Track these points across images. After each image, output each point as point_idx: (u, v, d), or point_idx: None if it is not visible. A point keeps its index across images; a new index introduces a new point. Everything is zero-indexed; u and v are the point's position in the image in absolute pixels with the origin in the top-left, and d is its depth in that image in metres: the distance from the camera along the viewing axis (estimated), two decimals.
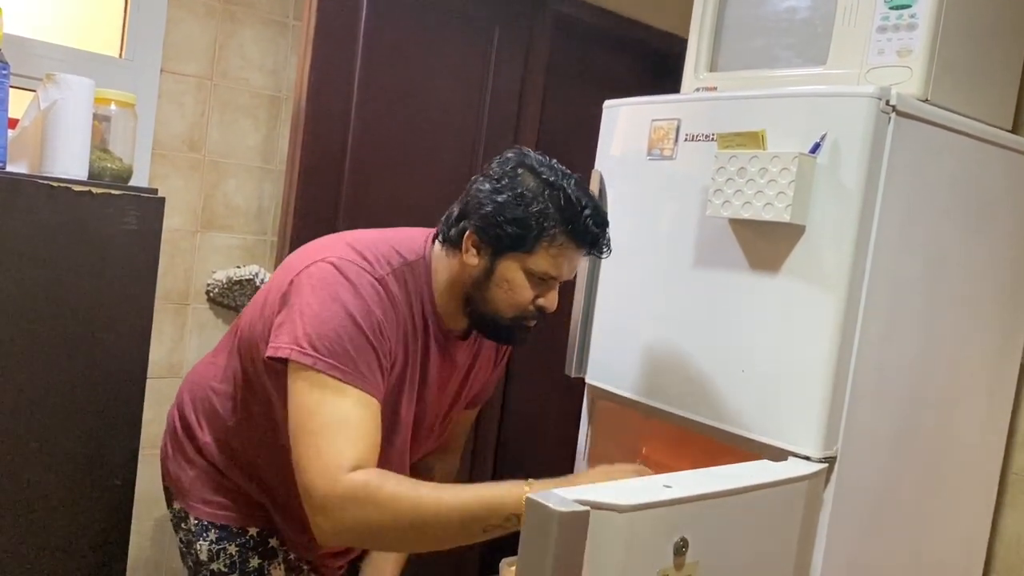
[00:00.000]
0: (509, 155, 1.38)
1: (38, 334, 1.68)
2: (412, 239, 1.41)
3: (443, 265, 1.38)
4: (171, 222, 2.24)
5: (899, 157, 1.35)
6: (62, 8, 2.29)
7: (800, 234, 1.35)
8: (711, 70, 1.75)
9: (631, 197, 1.66)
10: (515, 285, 1.32)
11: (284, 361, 1.25)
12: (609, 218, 1.69)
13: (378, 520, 1.16)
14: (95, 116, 1.78)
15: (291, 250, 1.66)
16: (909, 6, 1.45)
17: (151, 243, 1.82)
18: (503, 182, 1.32)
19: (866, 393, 1.38)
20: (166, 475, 1.55)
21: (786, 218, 1.32)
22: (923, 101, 1.43)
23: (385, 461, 1.30)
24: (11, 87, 1.68)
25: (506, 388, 3.13)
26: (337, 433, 1.20)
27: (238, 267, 2.48)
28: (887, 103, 1.32)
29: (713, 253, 1.48)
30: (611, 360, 1.67)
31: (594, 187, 1.71)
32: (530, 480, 1.14)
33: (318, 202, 2.43)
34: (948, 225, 1.49)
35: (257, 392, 1.41)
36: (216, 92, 2.43)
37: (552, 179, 1.31)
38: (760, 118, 1.43)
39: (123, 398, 1.81)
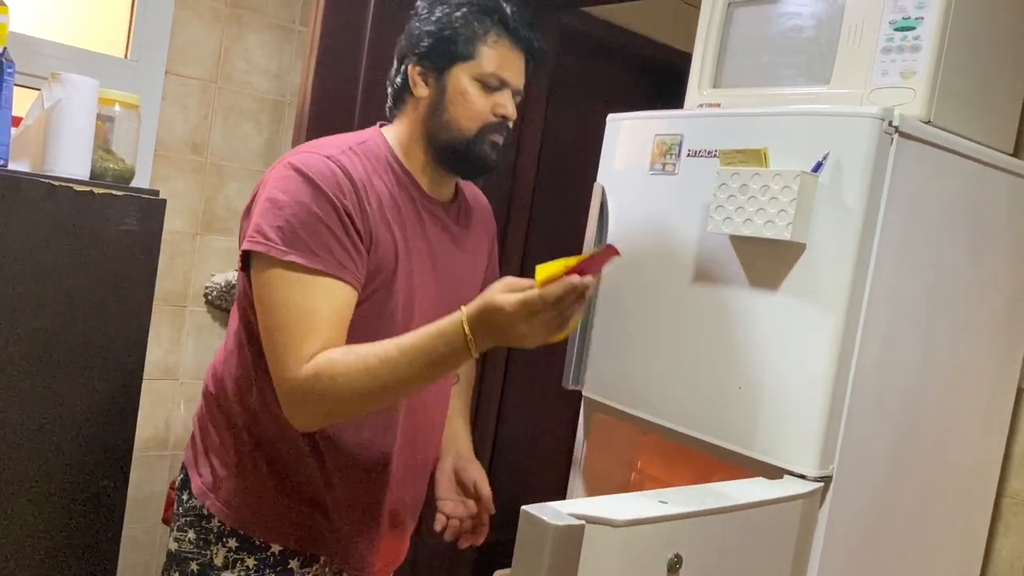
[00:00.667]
0: None
1: (34, 332, 1.68)
2: (363, 131, 1.45)
3: (397, 128, 1.42)
4: (171, 224, 2.23)
5: (901, 178, 1.35)
6: (67, 7, 2.30)
7: (800, 252, 1.35)
8: (715, 86, 1.75)
9: (633, 211, 1.66)
10: (468, 95, 1.36)
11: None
12: (609, 230, 1.71)
13: (340, 398, 1.21)
14: (99, 116, 1.79)
15: None
16: (914, 28, 1.46)
17: (151, 245, 1.82)
18: (425, 10, 1.39)
19: (863, 413, 1.38)
20: (192, 468, 1.47)
21: (787, 236, 1.32)
22: (925, 123, 1.43)
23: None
24: (15, 85, 1.69)
25: (502, 397, 3.12)
26: (298, 325, 1.22)
27: (237, 271, 2.47)
28: (890, 124, 1.32)
29: (713, 269, 1.48)
30: (609, 373, 1.67)
31: (596, 200, 1.71)
32: (464, 312, 1.17)
33: None
34: (947, 247, 1.49)
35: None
36: (220, 95, 2.44)
37: None
38: (763, 136, 1.43)
39: (119, 399, 1.81)
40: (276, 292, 1.24)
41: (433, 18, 1.37)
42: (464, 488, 1.57)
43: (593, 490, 1.76)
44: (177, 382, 2.44)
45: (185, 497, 1.45)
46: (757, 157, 1.38)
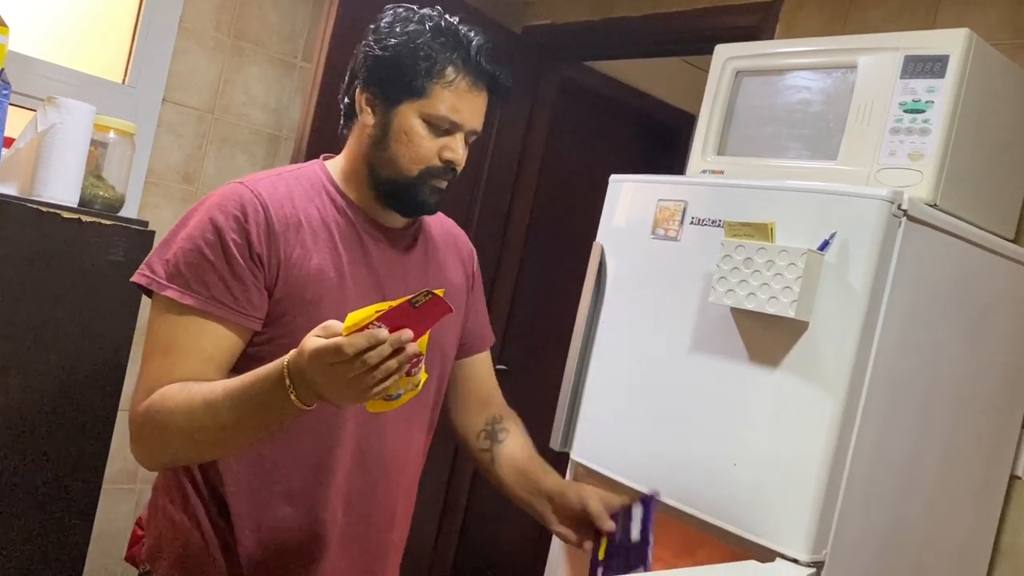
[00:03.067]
0: (389, 7, 1.30)
1: (12, 359, 1.63)
2: (306, 162, 1.36)
3: (342, 157, 1.33)
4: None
5: (906, 261, 1.34)
6: (68, 28, 2.27)
7: (803, 330, 1.34)
8: (719, 153, 1.75)
9: (632, 274, 1.64)
10: (414, 135, 1.23)
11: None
12: (606, 290, 1.69)
13: (162, 436, 1.13)
14: (92, 142, 1.75)
15: None
16: (923, 111, 1.46)
17: None
18: (384, 31, 1.26)
19: (858, 496, 1.35)
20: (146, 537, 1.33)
21: (791, 314, 1.30)
22: (931, 206, 1.42)
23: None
24: (10, 105, 1.65)
25: None
26: (154, 358, 1.16)
27: None
28: (899, 207, 1.31)
29: (712, 340, 1.46)
30: (598, 438, 1.63)
31: (594, 259, 1.69)
32: (288, 354, 1.04)
33: None
34: (947, 330, 1.48)
35: None
36: (216, 125, 2.41)
37: (433, 16, 1.26)
38: (769, 209, 1.42)
39: (92, 433, 1.75)
40: (150, 324, 1.19)
41: (388, 43, 1.24)
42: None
43: (574, 555, 1.71)
44: None
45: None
46: (763, 231, 1.36)
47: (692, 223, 1.54)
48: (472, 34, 1.26)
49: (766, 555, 1.33)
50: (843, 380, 1.30)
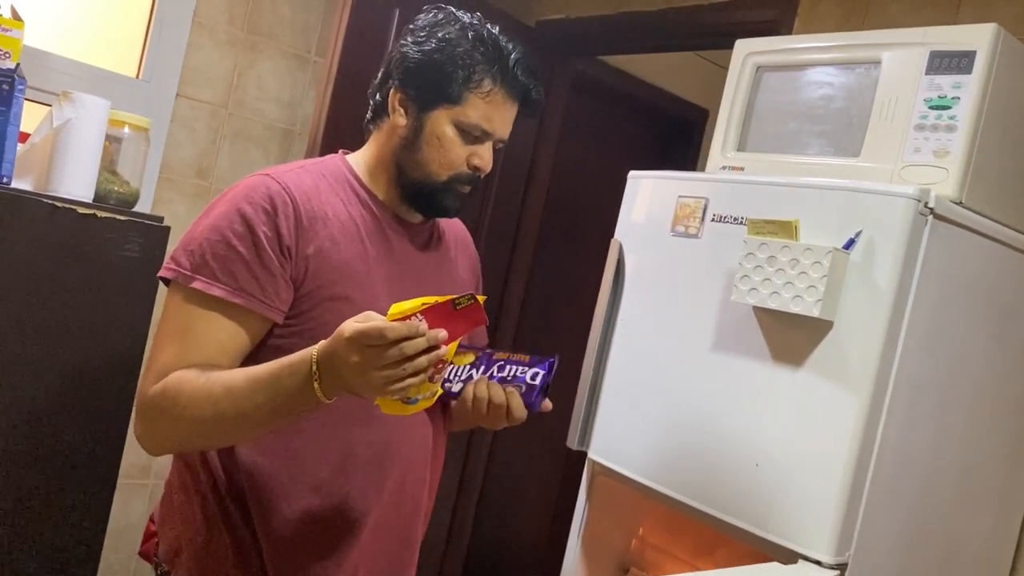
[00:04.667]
0: (430, 8, 1.30)
1: (26, 355, 1.62)
2: (325, 156, 1.35)
3: (367, 150, 1.32)
4: (172, 248, 2.19)
5: (932, 259, 1.32)
6: (82, 23, 2.26)
7: (827, 330, 1.32)
8: (739, 150, 1.72)
9: (651, 271, 1.63)
10: (446, 141, 1.25)
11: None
12: (624, 288, 1.67)
13: (177, 420, 1.11)
14: (107, 137, 1.74)
15: None
16: (949, 107, 1.44)
17: (152, 271, 1.75)
18: (423, 33, 1.26)
19: (881, 497, 1.33)
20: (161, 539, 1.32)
21: (815, 313, 1.29)
22: (957, 203, 1.40)
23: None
24: (25, 99, 1.64)
25: (492, 448, 3.07)
26: (171, 342, 1.15)
27: None
28: (926, 205, 1.29)
29: (734, 339, 1.44)
30: (616, 437, 1.62)
31: (613, 256, 1.67)
32: (318, 344, 1.05)
33: None
34: (972, 329, 1.46)
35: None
36: (230, 120, 2.39)
37: (476, 23, 1.26)
38: (792, 206, 1.40)
39: (108, 428, 1.74)
40: (167, 310, 1.18)
41: (427, 48, 1.24)
42: None
43: (592, 555, 1.70)
44: None
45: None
46: (787, 229, 1.34)
47: (713, 220, 1.52)
48: (511, 46, 1.26)
49: (788, 556, 1.31)
50: (868, 379, 1.28)
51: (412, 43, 1.26)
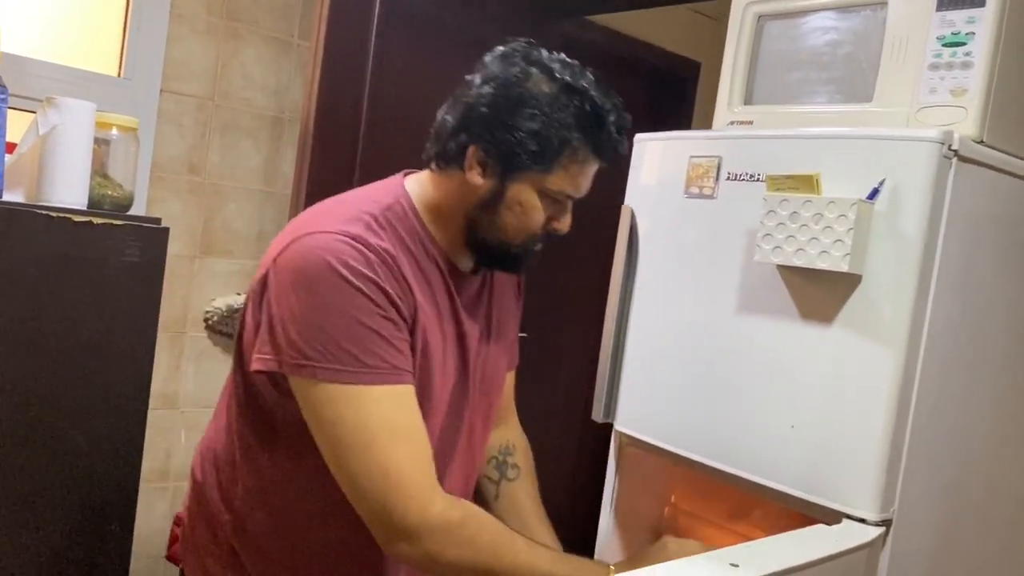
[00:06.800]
0: (512, 50, 1.17)
1: (35, 370, 1.59)
2: (385, 183, 1.24)
3: (432, 190, 1.20)
4: (168, 248, 2.15)
5: (959, 203, 1.28)
6: (59, 24, 2.19)
7: (856, 284, 1.28)
8: (746, 103, 1.68)
9: (666, 235, 1.58)
10: (528, 208, 1.16)
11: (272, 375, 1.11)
12: (639, 254, 1.63)
13: (471, 563, 1.08)
14: (95, 140, 1.69)
15: None
16: (964, 43, 1.39)
17: (154, 275, 1.73)
18: (511, 86, 1.13)
19: (922, 449, 1.31)
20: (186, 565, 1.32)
21: (844, 268, 1.25)
22: (978, 143, 1.36)
23: (450, 443, 1.23)
24: (8, 108, 1.59)
25: None
26: (390, 444, 1.05)
27: (238, 294, 2.38)
28: (950, 148, 1.25)
29: (759, 299, 1.41)
30: (644, 407, 1.59)
31: (624, 223, 1.63)
32: (612, 566, 1.10)
33: None
34: (1000, 271, 1.43)
35: (280, 433, 1.17)
36: (217, 112, 2.34)
37: (570, 80, 1.14)
38: (809, 159, 1.36)
39: (123, 438, 1.72)
40: (338, 413, 1.06)
41: (519, 113, 1.12)
42: None
43: (625, 528, 1.68)
44: (178, 411, 2.34)
45: None
46: (808, 183, 1.30)
47: (728, 179, 1.48)
48: (608, 105, 1.16)
49: (831, 516, 1.29)
50: (902, 332, 1.25)
51: (494, 96, 1.14)
